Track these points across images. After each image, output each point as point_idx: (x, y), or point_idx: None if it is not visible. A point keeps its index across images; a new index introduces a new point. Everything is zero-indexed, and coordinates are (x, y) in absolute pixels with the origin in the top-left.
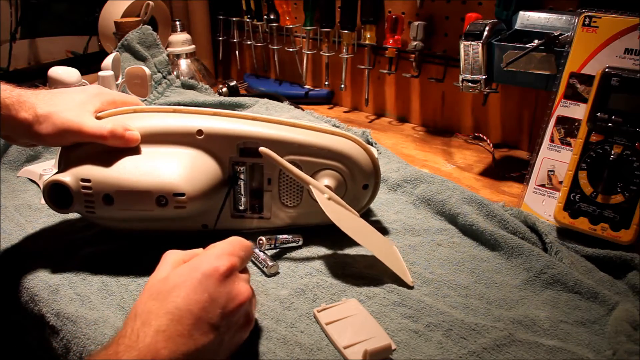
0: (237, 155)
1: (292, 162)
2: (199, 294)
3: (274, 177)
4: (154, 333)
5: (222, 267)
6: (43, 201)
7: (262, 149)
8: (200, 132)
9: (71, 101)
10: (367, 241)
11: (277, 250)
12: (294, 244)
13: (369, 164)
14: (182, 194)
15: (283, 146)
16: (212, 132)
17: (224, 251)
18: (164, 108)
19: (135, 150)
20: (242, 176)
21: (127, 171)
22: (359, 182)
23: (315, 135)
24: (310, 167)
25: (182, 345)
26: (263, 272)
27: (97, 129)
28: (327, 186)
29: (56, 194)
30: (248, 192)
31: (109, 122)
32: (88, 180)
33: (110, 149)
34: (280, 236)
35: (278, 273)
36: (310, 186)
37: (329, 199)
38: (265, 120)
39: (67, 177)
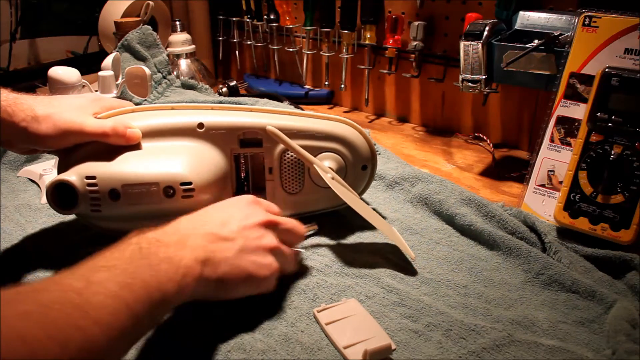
0: (238, 147)
1: None
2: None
3: (275, 166)
4: (177, 222)
5: (252, 199)
6: (43, 201)
7: (268, 127)
8: (201, 125)
9: (70, 104)
10: (371, 217)
11: None
12: (310, 233)
13: (365, 145)
14: (190, 183)
15: (283, 133)
16: (212, 125)
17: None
18: (162, 106)
19: (137, 147)
20: (243, 167)
21: (132, 165)
22: (358, 163)
23: (312, 121)
24: (310, 151)
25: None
26: None
27: (99, 127)
28: (330, 168)
29: (59, 195)
30: (251, 184)
31: (110, 121)
32: (93, 177)
33: (111, 148)
34: None
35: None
36: (315, 166)
37: (332, 178)
38: (263, 110)
39: (72, 176)
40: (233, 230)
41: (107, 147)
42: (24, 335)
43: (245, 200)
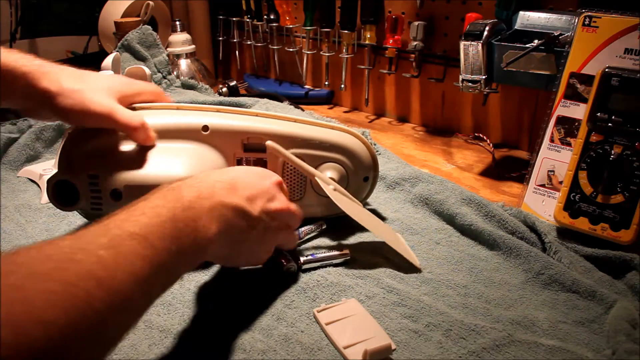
0: (242, 151)
1: (295, 155)
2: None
3: (277, 172)
4: (212, 182)
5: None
6: (43, 201)
7: (268, 142)
8: (206, 128)
9: (101, 83)
10: (374, 228)
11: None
12: (318, 232)
13: (368, 157)
14: None
15: (287, 141)
16: (217, 128)
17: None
18: (167, 105)
19: (142, 146)
20: None
21: (135, 165)
22: (360, 174)
23: (317, 130)
24: (314, 161)
25: (230, 199)
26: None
27: (130, 120)
28: (331, 178)
29: (60, 192)
30: None
31: (141, 116)
32: (96, 177)
33: (117, 146)
34: (302, 229)
35: (293, 272)
36: (316, 178)
37: (334, 189)
38: (269, 116)
39: (74, 174)
40: (257, 209)
41: (112, 144)
42: (46, 321)
43: (274, 181)
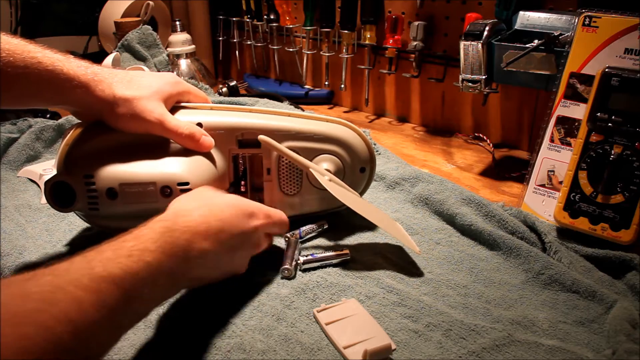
0: (236, 147)
1: (290, 148)
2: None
3: (272, 167)
4: (205, 228)
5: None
6: (43, 201)
7: (261, 137)
8: (199, 125)
9: (149, 87)
10: (372, 216)
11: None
12: (319, 232)
13: (364, 147)
14: (187, 183)
15: (281, 134)
16: (211, 125)
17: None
18: None
19: (139, 145)
20: (242, 168)
21: (129, 164)
22: (356, 165)
23: (310, 123)
24: (308, 153)
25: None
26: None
27: (177, 128)
28: (327, 170)
29: (58, 193)
30: (249, 184)
31: (189, 127)
32: (91, 176)
33: (110, 145)
34: (303, 228)
35: (293, 277)
36: (311, 169)
37: (330, 180)
38: (262, 111)
39: (70, 175)
40: (240, 252)
41: (108, 144)
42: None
43: (262, 222)
